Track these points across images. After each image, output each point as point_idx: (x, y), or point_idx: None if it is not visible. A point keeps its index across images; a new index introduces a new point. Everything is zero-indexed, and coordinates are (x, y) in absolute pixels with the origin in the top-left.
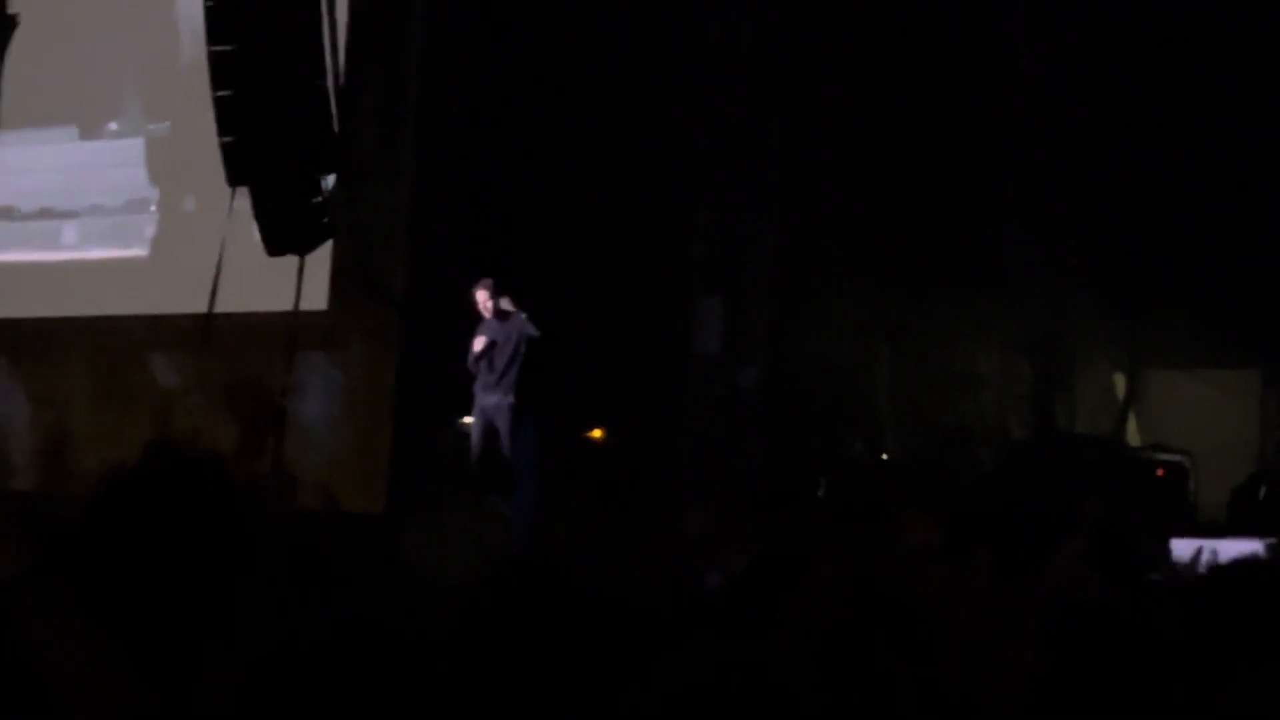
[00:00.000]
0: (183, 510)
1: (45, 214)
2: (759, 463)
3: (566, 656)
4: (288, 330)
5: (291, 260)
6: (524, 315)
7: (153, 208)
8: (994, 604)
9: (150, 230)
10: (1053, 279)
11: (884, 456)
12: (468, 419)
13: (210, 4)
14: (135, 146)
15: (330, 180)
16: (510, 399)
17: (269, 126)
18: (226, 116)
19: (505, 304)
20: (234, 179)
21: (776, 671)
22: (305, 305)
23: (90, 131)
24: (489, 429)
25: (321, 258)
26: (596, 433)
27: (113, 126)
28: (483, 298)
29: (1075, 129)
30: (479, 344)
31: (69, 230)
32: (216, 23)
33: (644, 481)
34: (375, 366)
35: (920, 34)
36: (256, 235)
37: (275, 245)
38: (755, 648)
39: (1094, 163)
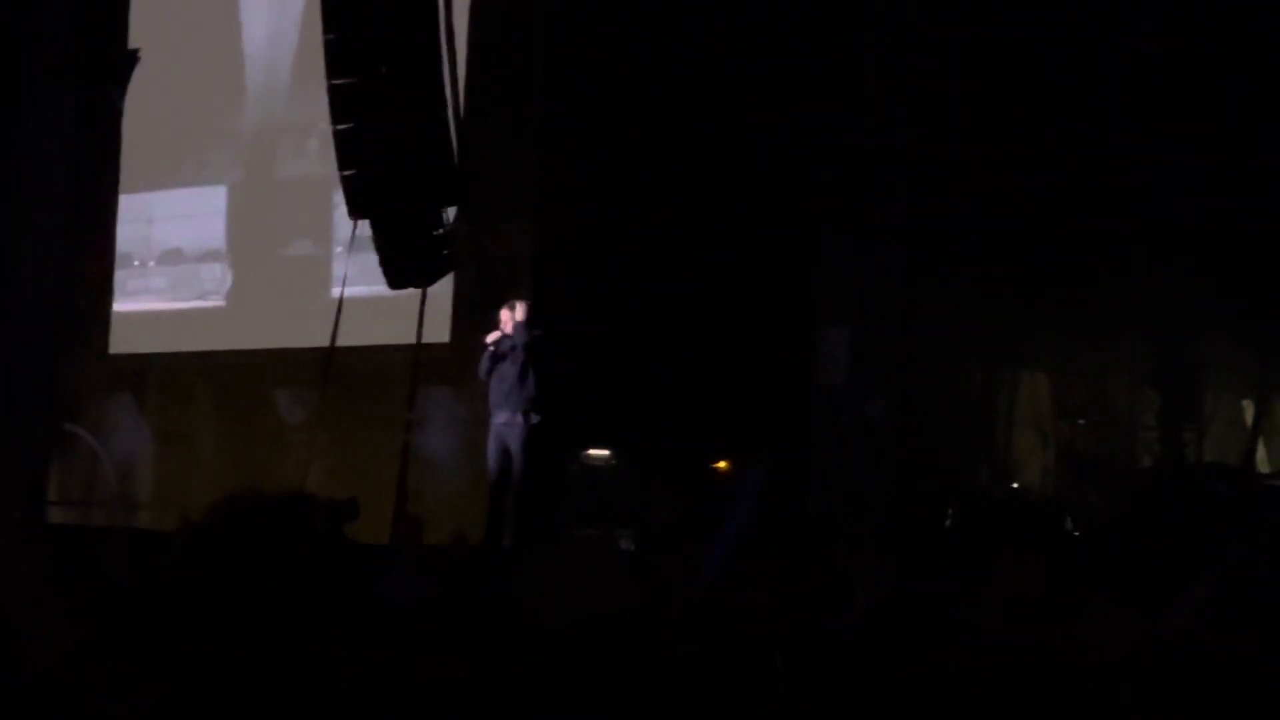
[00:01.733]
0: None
1: (210, 257)
2: (887, 494)
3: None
4: (410, 364)
5: (414, 293)
6: (538, 331)
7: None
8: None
9: (264, 270)
10: (1180, 307)
11: (1014, 486)
12: (592, 452)
13: (330, 38)
14: (254, 191)
15: (451, 213)
16: (521, 418)
17: (390, 159)
18: (347, 150)
19: (520, 315)
20: (355, 212)
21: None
22: (427, 338)
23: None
24: (503, 449)
25: (443, 291)
26: (722, 464)
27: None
28: (506, 317)
29: (1203, 156)
30: (486, 355)
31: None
32: (337, 56)
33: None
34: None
35: (1045, 62)
36: (379, 269)
37: (397, 278)
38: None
39: (1223, 190)
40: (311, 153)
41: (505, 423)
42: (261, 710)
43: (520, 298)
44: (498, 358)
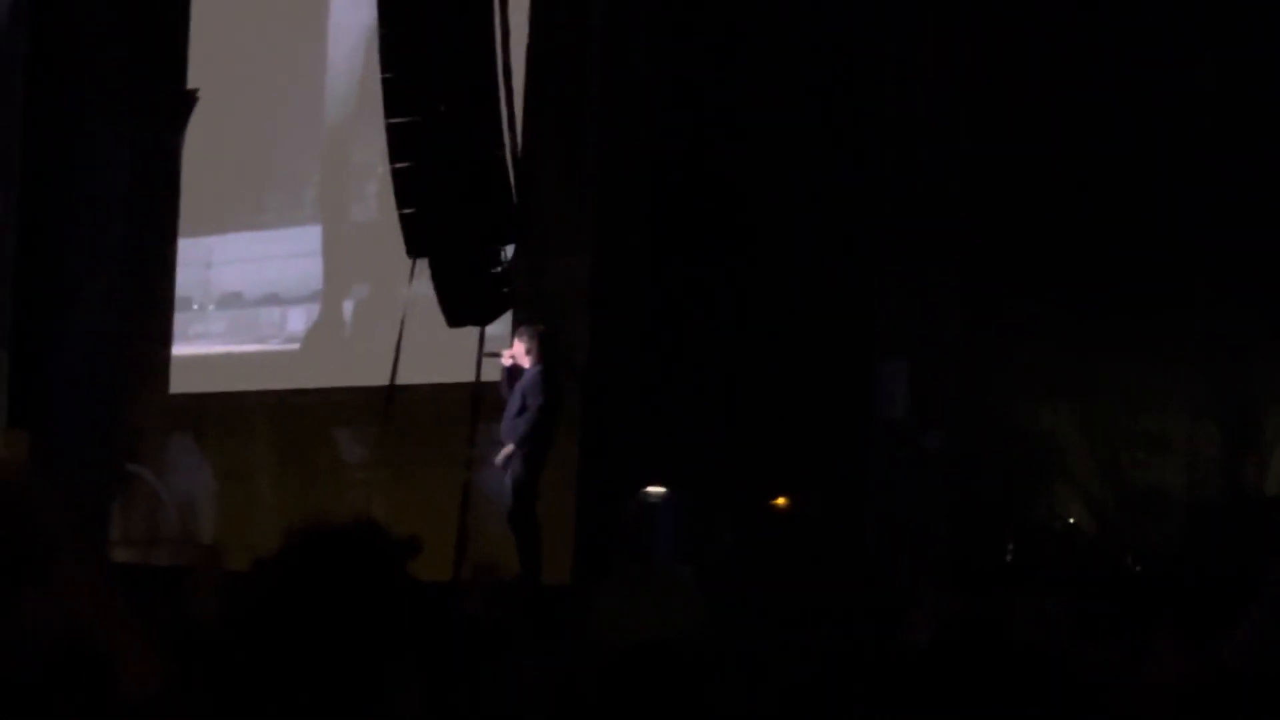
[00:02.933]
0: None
1: (271, 300)
2: (945, 528)
3: None
4: (470, 402)
5: (472, 332)
6: (540, 367)
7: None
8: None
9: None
10: (1241, 339)
11: (1070, 521)
12: (651, 489)
13: (388, 76)
14: (314, 234)
15: (509, 250)
16: (511, 448)
17: (448, 198)
18: (405, 188)
19: (522, 348)
20: (413, 251)
21: None
22: (486, 377)
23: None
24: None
25: (502, 330)
26: (781, 500)
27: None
28: (519, 349)
29: (1268, 184)
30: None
31: (295, 317)
32: (394, 94)
33: (830, 549)
34: (557, 437)
35: (1109, 94)
36: (437, 307)
37: (455, 317)
38: None
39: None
40: (370, 194)
41: (508, 453)
42: None
43: (529, 328)
44: (509, 386)
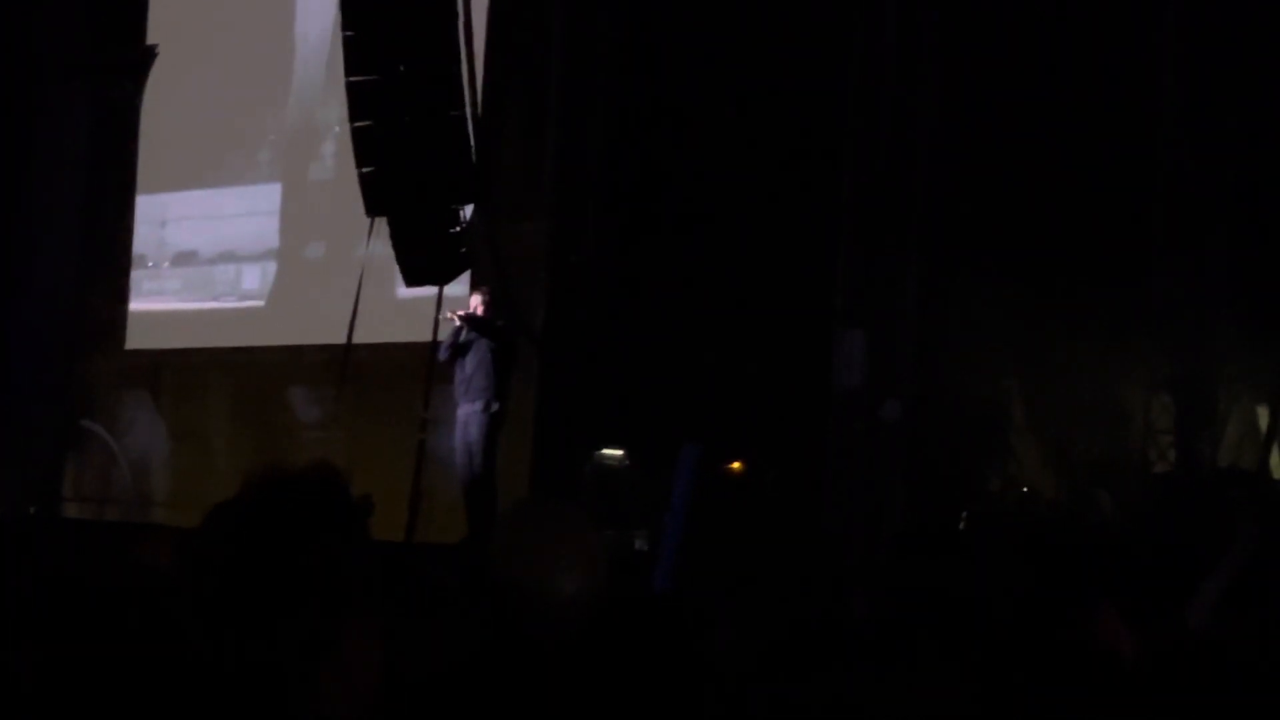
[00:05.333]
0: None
1: (226, 258)
2: (902, 497)
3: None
4: (425, 362)
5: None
6: (500, 321)
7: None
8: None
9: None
10: (1196, 312)
11: (1024, 490)
12: (606, 452)
13: (349, 34)
14: (271, 192)
15: (468, 211)
16: (479, 406)
17: (407, 157)
18: (365, 147)
19: (482, 306)
20: (372, 209)
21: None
22: (442, 336)
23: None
24: (467, 441)
25: (459, 290)
26: (736, 465)
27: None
28: (475, 301)
29: (1221, 159)
30: (448, 341)
31: (250, 275)
32: (355, 53)
33: (785, 515)
34: (513, 399)
35: (1065, 66)
36: (395, 266)
37: (413, 276)
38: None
39: (1239, 193)
40: (328, 153)
41: (466, 414)
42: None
43: (486, 286)
44: (460, 348)
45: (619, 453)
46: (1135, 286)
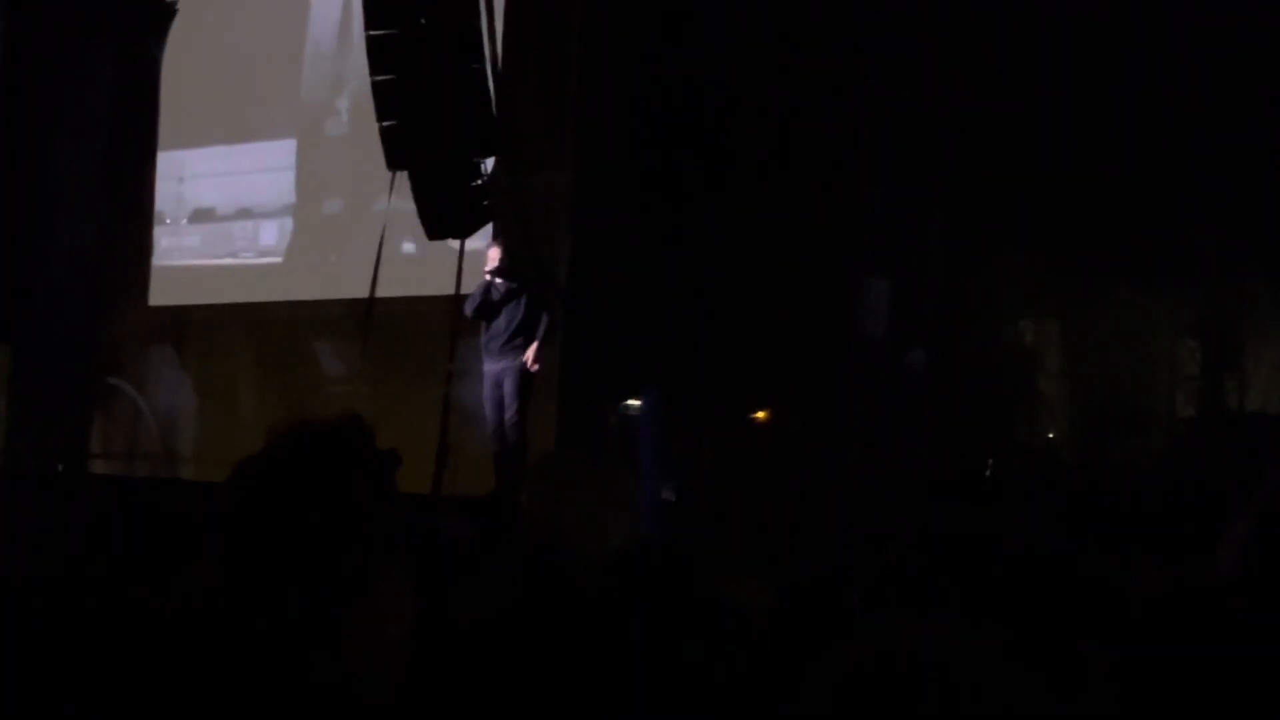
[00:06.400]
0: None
1: (244, 215)
2: (927, 445)
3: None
4: (450, 315)
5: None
6: (530, 280)
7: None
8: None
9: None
10: (1222, 257)
11: (1050, 437)
12: (632, 401)
13: None
14: (287, 148)
15: (490, 164)
16: (515, 363)
17: (428, 111)
18: (386, 101)
19: (499, 260)
20: (393, 163)
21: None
22: (466, 289)
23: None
24: (498, 397)
25: (482, 242)
26: (761, 414)
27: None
28: (494, 254)
29: (1246, 108)
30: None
31: (268, 231)
32: (374, 6)
33: (811, 464)
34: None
35: (1094, 9)
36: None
37: (435, 229)
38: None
39: (1265, 140)
40: (343, 108)
41: (499, 370)
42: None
43: (501, 240)
44: (492, 305)
45: (645, 402)
46: (1161, 232)
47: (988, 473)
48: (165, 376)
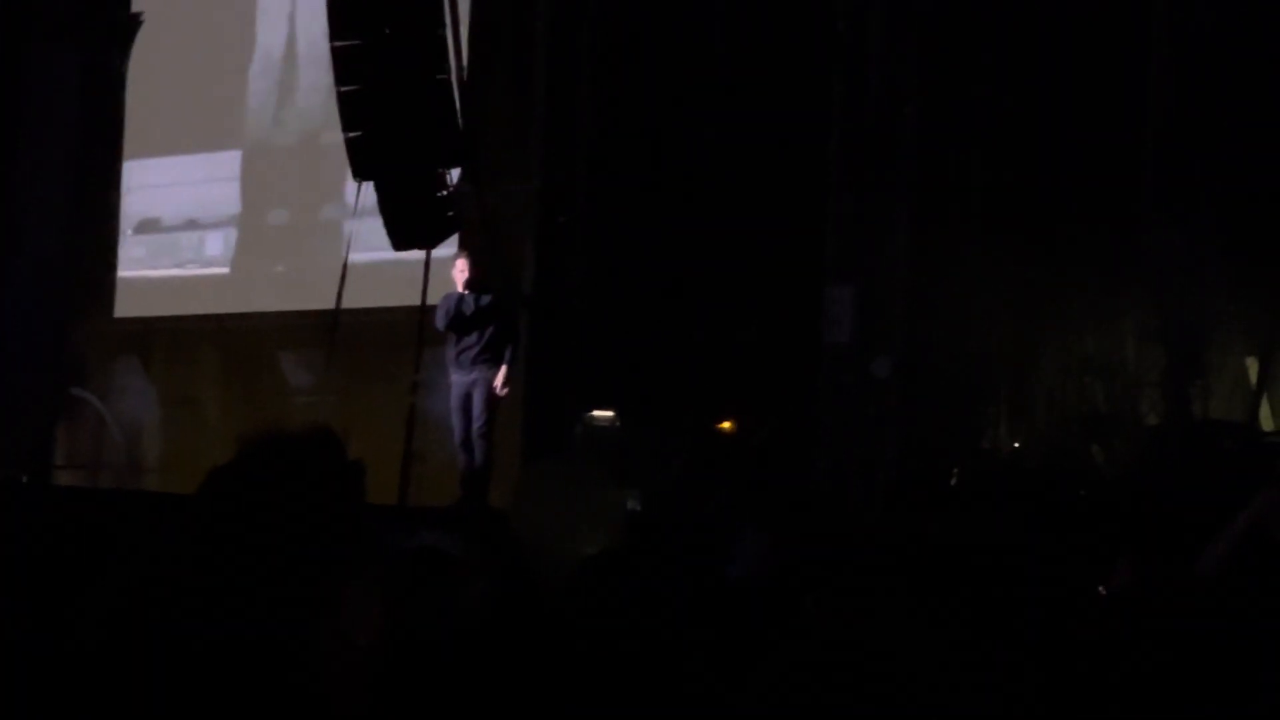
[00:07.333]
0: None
1: (191, 226)
2: (893, 452)
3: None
4: (415, 326)
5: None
6: (499, 293)
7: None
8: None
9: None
10: (1186, 264)
11: (1015, 445)
12: (596, 413)
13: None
14: (232, 159)
15: (455, 174)
16: (485, 376)
17: (394, 121)
18: (351, 112)
19: (466, 270)
20: (360, 174)
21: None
22: (432, 300)
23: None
24: (467, 408)
25: (447, 253)
26: (727, 424)
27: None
28: (462, 264)
29: (1210, 114)
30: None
31: (213, 241)
32: (340, 18)
33: (776, 472)
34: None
35: (1056, 17)
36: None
37: (401, 240)
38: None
39: (1230, 146)
40: (316, 117)
41: (468, 381)
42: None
43: (466, 250)
44: (464, 318)
45: (609, 414)
46: (1125, 239)
47: (953, 480)
48: (130, 387)
